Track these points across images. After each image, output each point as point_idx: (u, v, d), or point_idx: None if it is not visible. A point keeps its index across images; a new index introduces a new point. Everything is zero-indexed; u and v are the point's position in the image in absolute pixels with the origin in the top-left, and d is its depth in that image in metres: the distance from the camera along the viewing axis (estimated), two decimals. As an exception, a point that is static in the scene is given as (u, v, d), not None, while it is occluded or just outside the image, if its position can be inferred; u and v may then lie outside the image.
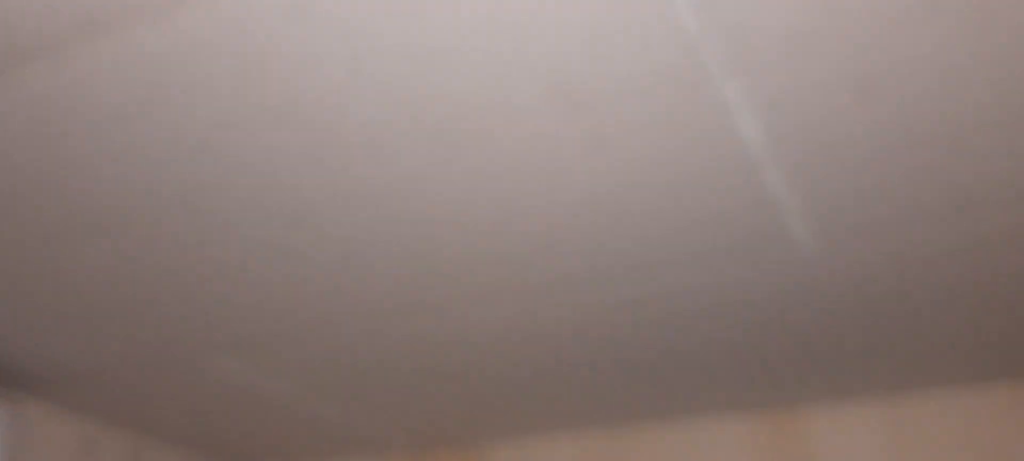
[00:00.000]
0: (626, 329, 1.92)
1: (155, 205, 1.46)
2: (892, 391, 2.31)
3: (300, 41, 1.11)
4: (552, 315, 1.86)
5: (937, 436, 2.26)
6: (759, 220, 1.49)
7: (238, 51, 1.12)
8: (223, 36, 1.10)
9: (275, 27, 1.08)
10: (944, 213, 1.47)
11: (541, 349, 2.03)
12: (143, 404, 2.40)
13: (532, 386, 2.27)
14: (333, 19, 1.07)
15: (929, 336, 1.96)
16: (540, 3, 1.05)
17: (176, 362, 2.12)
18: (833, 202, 1.44)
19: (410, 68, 1.15)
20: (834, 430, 2.37)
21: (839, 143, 1.29)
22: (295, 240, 1.57)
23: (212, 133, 1.28)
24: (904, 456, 2.28)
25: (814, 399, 2.36)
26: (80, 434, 2.48)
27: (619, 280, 1.70)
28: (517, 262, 1.64)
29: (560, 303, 1.80)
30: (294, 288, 1.75)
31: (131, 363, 2.12)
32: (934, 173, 1.36)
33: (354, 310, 1.85)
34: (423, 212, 1.48)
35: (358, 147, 1.31)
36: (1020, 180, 1.38)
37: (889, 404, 2.33)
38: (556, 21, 1.07)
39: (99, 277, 1.70)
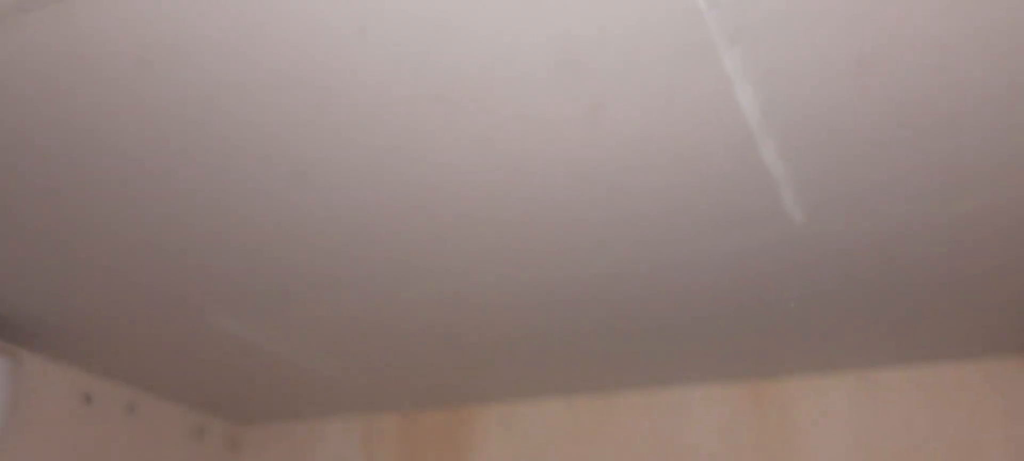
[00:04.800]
0: (616, 297, 1.95)
1: (157, 160, 1.48)
2: (870, 365, 2.34)
3: (307, 3, 1.12)
4: (545, 281, 1.88)
5: (911, 411, 2.30)
6: (752, 192, 1.52)
7: (245, 12, 1.13)
8: (231, -5, 1.11)
9: (283, -12, 1.10)
10: (933, 192, 1.49)
11: (533, 314, 2.06)
12: (140, 358, 2.42)
13: (523, 350, 2.30)
14: (341, -18, 1.08)
15: (909, 313, 1.99)
16: (546, -29, 1.06)
17: (174, 317, 2.14)
18: (825, 176, 1.46)
19: (415, 32, 1.16)
20: (812, 401, 2.41)
21: (835, 118, 1.31)
22: (297, 200, 1.59)
23: (216, 92, 1.29)
24: (878, 429, 2.32)
25: (793, 370, 2.40)
26: (76, 386, 2.51)
27: (612, 249, 1.73)
28: (514, 228, 1.66)
29: (553, 270, 1.83)
30: (293, 247, 1.77)
31: (129, 317, 2.14)
32: (926, 151, 1.39)
33: (352, 271, 1.87)
34: (423, 177, 1.50)
35: (361, 110, 1.33)
36: (1009, 160, 1.40)
37: (866, 378, 2.37)
38: (562, -10, 1.08)
39: (99, 230, 1.72)
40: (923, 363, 2.31)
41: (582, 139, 1.38)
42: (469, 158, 1.44)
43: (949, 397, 2.28)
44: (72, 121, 1.37)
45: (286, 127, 1.37)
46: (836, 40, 1.15)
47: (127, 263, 1.85)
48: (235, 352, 2.36)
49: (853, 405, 2.36)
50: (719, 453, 2.45)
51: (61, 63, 1.24)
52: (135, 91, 1.29)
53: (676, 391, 2.56)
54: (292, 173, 1.50)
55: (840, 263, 1.76)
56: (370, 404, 2.81)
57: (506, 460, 2.70)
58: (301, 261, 1.83)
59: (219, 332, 2.22)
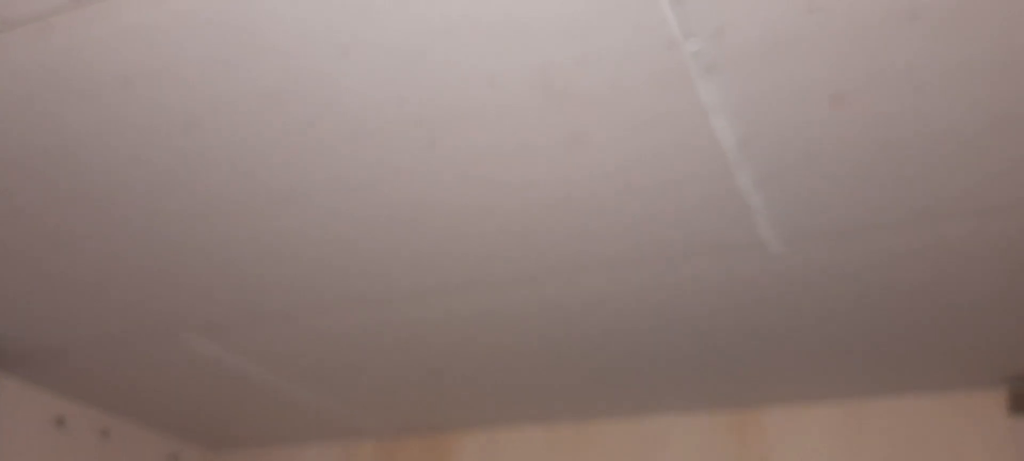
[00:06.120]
0: (596, 324, 1.95)
1: (136, 182, 1.47)
2: (848, 396, 2.35)
3: (289, 25, 1.12)
4: (525, 307, 1.88)
5: (891, 442, 2.31)
6: (729, 221, 1.53)
7: (228, 34, 1.14)
8: (214, 17, 1.11)
9: (266, 10, 1.10)
10: (907, 222, 1.51)
11: (512, 341, 2.06)
12: (115, 382, 2.40)
13: (502, 378, 2.30)
14: (324, 5, 1.09)
15: (888, 344, 2.00)
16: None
17: (150, 339, 2.12)
18: (801, 206, 1.48)
19: (398, 57, 1.17)
20: (790, 431, 2.41)
21: (810, 149, 1.33)
22: (276, 223, 1.58)
23: (198, 112, 1.29)
24: (858, 460, 2.33)
25: (773, 400, 2.41)
26: (49, 409, 2.48)
27: (591, 275, 1.73)
28: (494, 254, 1.67)
29: (533, 295, 1.83)
30: (272, 272, 1.76)
31: (105, 339, 2.12)
32: (900, 183, 1.40)
33: (331, 296, 1.86)
34: (403, 200, 1.50)
35: (343, 134, 1.33)
36: (983, 193, 1.42)
37: (844, 408, 2.38)
38: (544, 18, 1.10)
39: (76, 250, 1.71)
40: (903, 394, 2.32)
41: (561, 166, 1.39)
42: (449, 184, 1.45)
43: (929, 428, 2.28)
44: (52, 141, 1.37)
45: (267, 146, 1.37)
46: (812, 73, 1.17)
47: (104, 285, 1.84)
48: (211, 376, 2.34)
49: (833, 435, 2.37)
50: (697, 483, 2.45)
51: (41, 82, 1.24)
52: (116, 111, 1.29)
53: (656, 420, 2.56)
54: (273, 193, 1.50)
55: (817, 293, 1.77)
56: (348, 430, 2.79)
57: (483, 489, 2.68)
58: (279, 283, 1.82)
59: (195, 355, 2.20)
